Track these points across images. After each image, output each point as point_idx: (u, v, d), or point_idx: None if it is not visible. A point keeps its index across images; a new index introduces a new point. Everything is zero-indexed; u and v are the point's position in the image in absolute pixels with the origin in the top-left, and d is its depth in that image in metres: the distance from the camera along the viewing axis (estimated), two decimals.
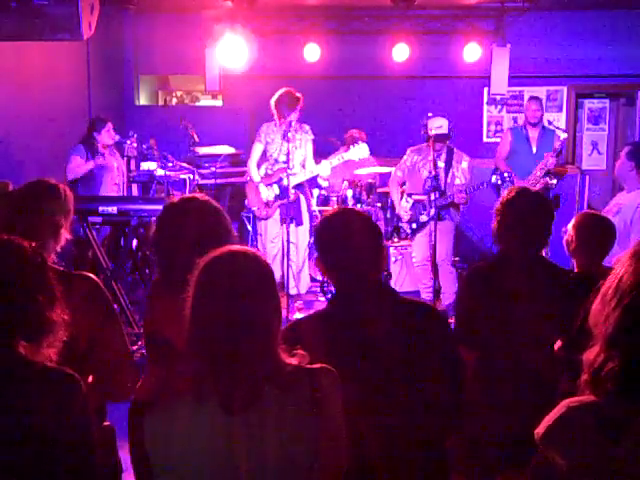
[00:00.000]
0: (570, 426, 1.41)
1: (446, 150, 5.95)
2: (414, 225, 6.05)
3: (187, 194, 2.56)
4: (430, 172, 5.81)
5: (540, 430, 1.45)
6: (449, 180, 5.93)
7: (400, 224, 6.30)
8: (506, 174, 5.82)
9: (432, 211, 5.75)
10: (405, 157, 6.13)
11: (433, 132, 5.77)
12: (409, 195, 6.08)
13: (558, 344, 2.60)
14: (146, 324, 2.46)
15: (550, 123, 7.07)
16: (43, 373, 1.61)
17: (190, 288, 1.62)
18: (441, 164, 5.90)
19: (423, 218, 5.97)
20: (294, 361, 1.65)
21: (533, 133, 6.74)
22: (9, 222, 2.23)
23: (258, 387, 1.58)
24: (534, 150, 6.68)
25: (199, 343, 1.59)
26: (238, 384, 1.57)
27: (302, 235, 6.10)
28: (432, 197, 5.72)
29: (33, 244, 1.71)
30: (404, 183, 6.20)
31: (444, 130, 5.81)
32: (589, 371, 1.42)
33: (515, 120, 8.51)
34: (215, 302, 1.59)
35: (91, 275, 2.35)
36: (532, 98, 6.97)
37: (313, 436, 1.61)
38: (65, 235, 2.35)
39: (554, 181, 6.39)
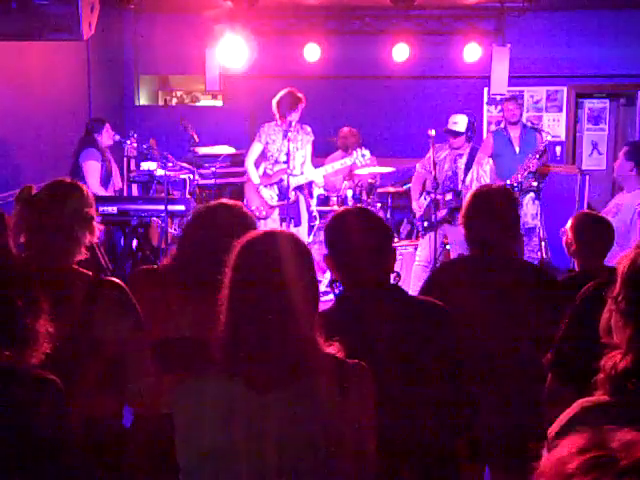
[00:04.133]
0: (583, 426, 1.41)
1: (469, 151, 5.88)
2: (426, 223, 5.94)
3: (225, 200, 2.61)
4: (449, 170, 5.77)
5: (553, 429, 1.44)
6: (467, 182, 5.83)
7: (414, 220, 6.21)
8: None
9: (444, 212, 5.69)
10: (429, 154, 5.98)
11: (447, 126, 5.71)
12: (427, 193, 5.99)
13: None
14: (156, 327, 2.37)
15: (534, 124, 7.10)
16: (24, 378, 1.61)
17: (227, 269, 1.62)
18: (461, 164, 5.83)
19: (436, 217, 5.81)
20: (331, 350, 1.65)
21: (514, 133, 6.78)
22: (39, 225, 2.22)
23: (289, 368, 1.57)
24: (517, 150, 6.71)
25: (234, 322, 1.59)
26: (270, 363, 1.56)
27: (301, 235, 6.11)
28: (447, 197, 5.65)
29: (23, 255, 1.72)
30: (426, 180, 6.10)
31: (458, 127, 5.73)
32: (610, 373, 1.43)
33: None
34: (252, 281, 1.59)
35: (120, 282, 2.35)
36: (508, 98, 7.06)
37: (335, 425, 1.59)
38: (98, 226, 2.37)
39: (535, 183, 6.39)
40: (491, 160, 5.99)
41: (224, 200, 2.58)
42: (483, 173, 5.86)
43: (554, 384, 2.23)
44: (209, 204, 2.55)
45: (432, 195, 5.69)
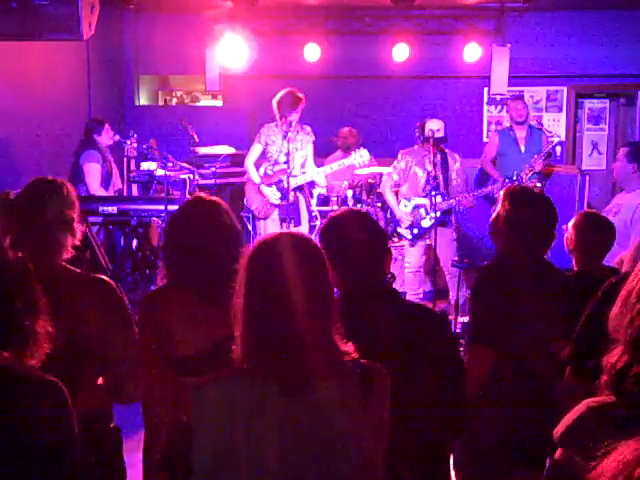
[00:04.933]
0: (589, 426, 1.40)
1: (440, 152, 5.86)
2: (415, 230, 5.88)
3: (196, 195, 2.57)
4: (429, 174, 5.76)
5: (559, 430, 1.44)
6: (448, 182, 5.86)
7: (399, 229, 6.06)
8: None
9: (437, 214, 5.69)
10: (399, 160, 5.98)
11: (429, 135, 5.71)
12: (407, 199, 5.94)
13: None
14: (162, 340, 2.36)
15: (540, 125, 7.08)
16: (25, 381, 1.60)
17: (240, 273, 1.61)
18: (435, 166, 5.84)
19: (426, 222, 5.79)
20: (348, 348, 1.64)
21: (520, 133, 6.77)
22: (21, 228, 2.20)
23: (312, 370, 1.57)
24: (522, 150, 6.70)
25: (254, 328, 1.58)
26: (295, 367, 1.56)
27: None
28: (434, 200, 5.62)
29: (19, 254, 1.70)
30: (397, 187, 6.08)
31: (441, 133, 5.75)
32: (610, 373, 1.41)
33: None
34: (268, 288, 1.58)
35: (108, 279, 2.34)
36: (516, 97, 7.07)
37: (358, 429, 1.59)
38: (79, 228, 2.33)
39: (539, 184, 6.38)
40: (459, 157, 5.97)
41: (190, 199, 2.52)
42: (457, 170, 5.88)
43: (571, 379, 2.24)
44: (181, 209, 2.47)
45: (418, 199, 5.74)
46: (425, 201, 5.79)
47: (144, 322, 2.39)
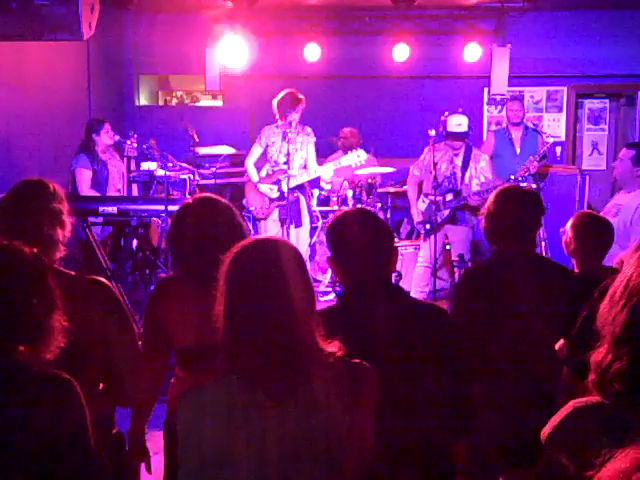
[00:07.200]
0: (576, 427, 1.40)
1: (464, 149, 5.83)
2: (428, 226, 5.86)
3: (202, 194, 2.60)
4: (447, 171, 5.75)
5: (546, 430, 1.44)
6: (466, 180, 5.80)
7: (415, 224, 6.13)
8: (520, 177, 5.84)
9: (446, 212, 5.69)
10: (422, 156, 5.98)
11: (451, 130, 5.66)
12: (425, 195, 5.93)
13: (559, 343, 2.60)
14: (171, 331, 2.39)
15: (535, 126, 7.07)
16: (41, 378, 1.61)
17: (220, 278, 1.62)
18: (458, 163, 5.81)
19: (437, 219, 5.76)
20: (332, 348, 1.64)
21: (516, 134, 6.77)
22: (8, 226, 2.17)
23: (300, 373, 1.57)
24: (518, 151, 6.70)
25: (237, 334, 1.58)
26: (281, 370, 1.56)
27: (302, 236, 6.10)
28: (447, 198, 5.62)
29: (35, 250, 1.70)
30: (422, 182, 6.06)
31: (463, 128, 5.69)
32: (596, 371, 1.40)
33: None
34: (248, 292, 1.58)
35: (105, 281, 2.33)
36: (513, 98, 7.07)
37: (348, 427, 1.60)
38: (69, 220, 2.30)
39: (534, 185, 6.37)
40: (486, 156, 5.95)
41: (194, 198, 2.54)
42: (481, 169, 5.84)
43: (569, 378, 2.23)
44: (184, 204, 2.50)
45: (432, 197, 5.69)
46: (440, 198, 5.78)
47: (147, 313, 2.43)
